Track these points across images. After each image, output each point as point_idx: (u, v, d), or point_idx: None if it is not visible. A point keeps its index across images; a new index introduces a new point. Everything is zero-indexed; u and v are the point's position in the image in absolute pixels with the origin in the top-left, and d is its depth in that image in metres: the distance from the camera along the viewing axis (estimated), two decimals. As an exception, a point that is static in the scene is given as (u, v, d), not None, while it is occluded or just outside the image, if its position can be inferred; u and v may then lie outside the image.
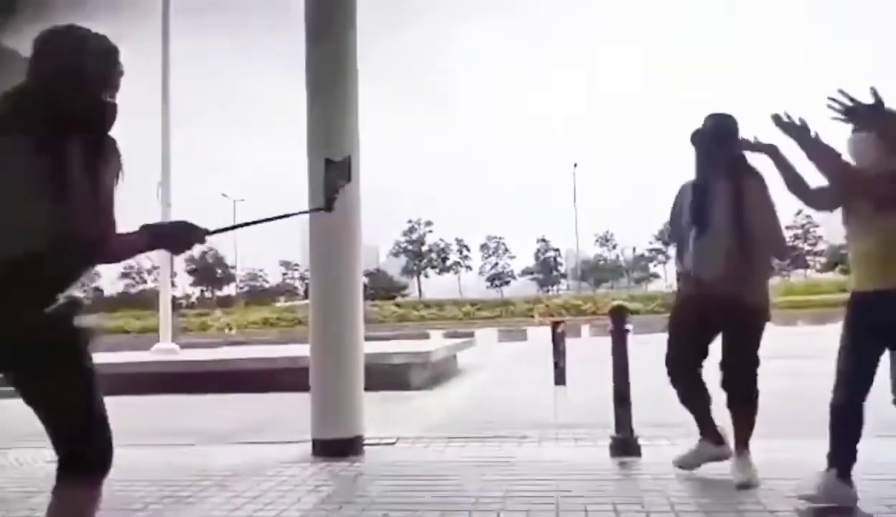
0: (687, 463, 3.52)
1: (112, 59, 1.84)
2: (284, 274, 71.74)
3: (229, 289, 69.28)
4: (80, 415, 1.80)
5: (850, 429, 2.84)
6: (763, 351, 3.36)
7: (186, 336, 30.77)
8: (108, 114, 1.82)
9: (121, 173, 1.84)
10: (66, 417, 1.80)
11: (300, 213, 2.24)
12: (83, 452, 1.80)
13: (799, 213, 58.56)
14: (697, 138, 3.51)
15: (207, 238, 1.89)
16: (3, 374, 1.76)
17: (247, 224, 2.13)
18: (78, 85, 1.75)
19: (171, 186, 14.56)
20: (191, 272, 66.96)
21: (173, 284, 17.76)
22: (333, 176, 2.23)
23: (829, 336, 3.15)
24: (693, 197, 3.52)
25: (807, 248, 61.56)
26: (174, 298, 17.79)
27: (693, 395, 3.51)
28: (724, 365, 3.38)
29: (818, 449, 2.90)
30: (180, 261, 55.92)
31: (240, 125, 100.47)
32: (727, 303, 3.30)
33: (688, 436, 3.69)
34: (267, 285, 71.03)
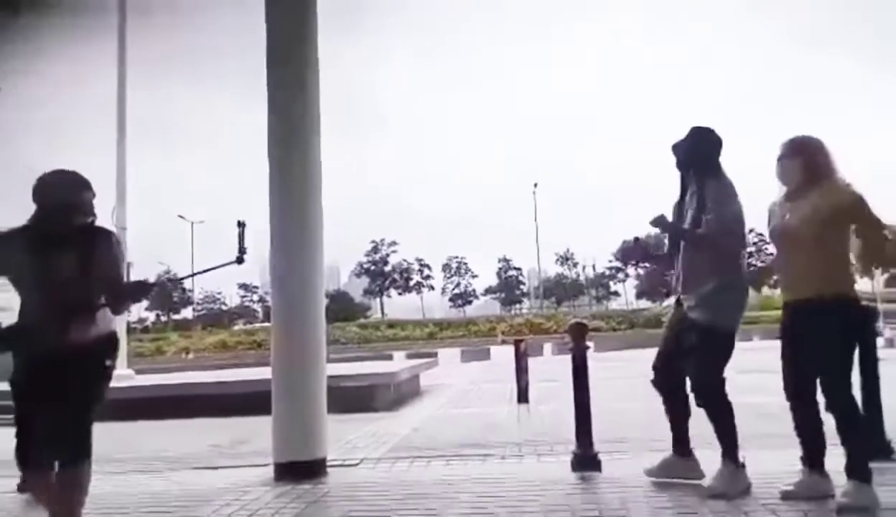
0: (654, 473, 3.57)
1: (85, 191, 2.83)
2: (243, 296, 70.57)
3: (186, 313, 67.68)
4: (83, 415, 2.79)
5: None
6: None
7: (140, 362, 29.93)
8: (86, 228, 2.81)
9: (122, 257, 2.88)
10: (76, 415, 2.76)
11: (216, 267, 3.18)
12: (68, 447, 2.70)
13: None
14: (676, 149, 3.59)
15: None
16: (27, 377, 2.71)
17: (172, 281, 2.55)
18: (68, 213, 2.77)
19: (126, 210, 14.24)
20: (146, 296, 65.33)
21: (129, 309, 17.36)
22: (242, 234, 3.00)
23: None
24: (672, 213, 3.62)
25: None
26: (128, 323, 17.37)
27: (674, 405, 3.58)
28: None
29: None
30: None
31: (190, 147, 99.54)
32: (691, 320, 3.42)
33: (649, 451, 3.76)
34: (225, 308, 69.66)
